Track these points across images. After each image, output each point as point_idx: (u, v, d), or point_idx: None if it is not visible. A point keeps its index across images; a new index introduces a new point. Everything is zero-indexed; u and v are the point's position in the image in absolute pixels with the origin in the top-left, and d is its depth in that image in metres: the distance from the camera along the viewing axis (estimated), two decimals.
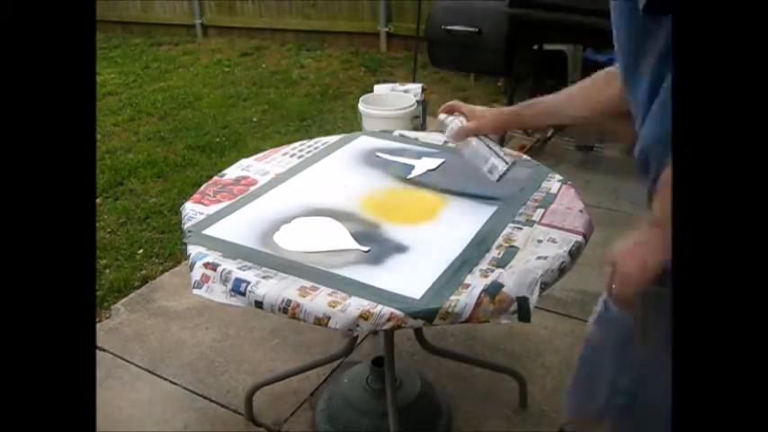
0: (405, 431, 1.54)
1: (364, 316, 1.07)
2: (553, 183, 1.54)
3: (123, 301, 2.33)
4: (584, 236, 1.31)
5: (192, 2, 5.97)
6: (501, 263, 1.21)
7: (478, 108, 1.39)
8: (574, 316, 2.12)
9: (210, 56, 5.47)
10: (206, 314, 2.22)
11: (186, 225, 1.38)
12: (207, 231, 1.35)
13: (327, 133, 2.04)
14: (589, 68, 4.55)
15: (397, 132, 1.91)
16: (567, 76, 4.10)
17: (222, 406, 1.84)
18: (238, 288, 1.15)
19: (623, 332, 0.94)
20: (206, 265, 1.21)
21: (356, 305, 1.09)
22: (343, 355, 1.80)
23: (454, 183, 1.54)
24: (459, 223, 1.37)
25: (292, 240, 1.31)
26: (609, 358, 0.96)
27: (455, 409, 1.79)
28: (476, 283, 1.14)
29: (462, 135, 1.38)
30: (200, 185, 1.58)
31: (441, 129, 1.47)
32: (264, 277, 1.17)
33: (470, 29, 3.14)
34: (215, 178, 1.60)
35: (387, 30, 5.30)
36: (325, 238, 1.31)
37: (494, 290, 1.10)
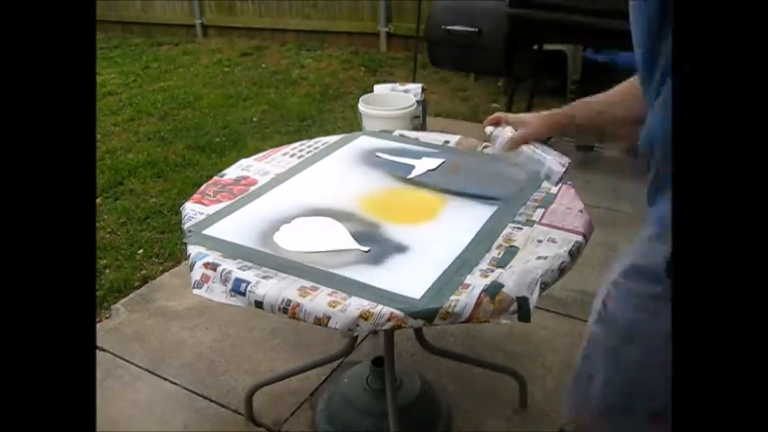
0: (405, 431, 1.54)
1: (364, 316, 1.07)
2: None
3: (123, 301, 2.33)
4: (584, 236, 1.31)
5: (192, 2, 5.97)
6: (501, 263, 1.21)
7: (525, 115, 1.35)
8: (574, 316, 2.12)
9: (210, 56, 5.47)
10: (206, 314, 2.22)
11: (186, 225, 1.38)
12: (207, 231, 1.35)
13: (327, 133, 2.04)
14: (589, 68, 4.56)
15: (397, 132, 1.91)
16: (567, 76, 4.10)
17: (222, 406, 1.84)
18: (238, 288, 1.15)
19: (620, 331, 0.94)
20: (206, 265, 1.21)
21: (356, 305, 1.09)
22: (343, 355, 1.80)
23: (454, 183, 1.54)
24: (459, 223, 1.37)
25: (292, 240, 1.31)
26: (604, 357, 0.96)
27: (455, 409, 1.79)
28: (476, 283, 1.14)
29: (517, 143, 1.32)
30: (200, 185, 1.58)
31: (488, 142, 1.44)
32: (264, 277, 1.17)
33: (470, 29, 3.14)
34: (215, 178, 1.60)
35: (387, 30, 5.30)
36: (325, 238, 1.31)
37: (494, 290, 1.10)
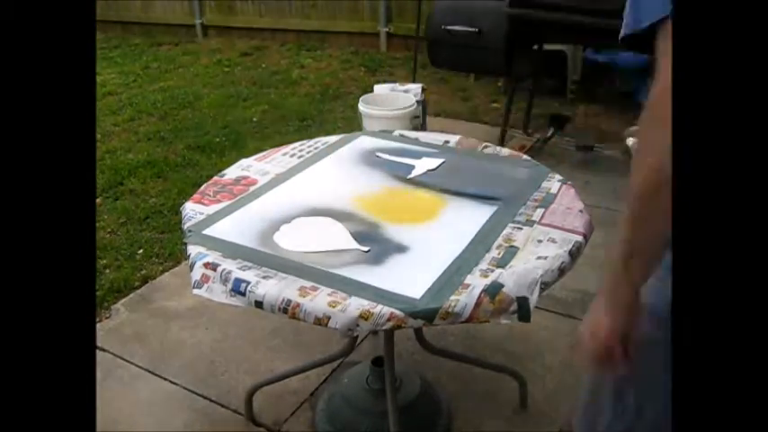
0: (405, 431, 1.54)
1: (364, 316, 1.07)
2: (553, 183, 1.54)
3: (123, 301, 2.33)
4: (585, 236, 1.30)
5: (192, 2, 5.96)
6: (501, 263, 1.21)
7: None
8: (574, 316, 2.11)
9: (210, 56, 5.47)
10: (206, 314, 2.22)
11: (186, 225, 1.38)
12: (207, 231, 1.35)
13: (327, 133, 2.04)
14: (589, 68, 4.55)
15: (397, 132, 1.91)
16: (567, 76, 4.10)
17: (222, 406, 1.84)
18: (238, 288, 1.15)
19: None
20: (206, 265, 1.21)
21: (356, 305, 1.09)
22: (343, 355, 1.80)
23: (454, 183, 1.54)
24: (458, 223, 1.37)
25: (292, 240, 1.31)
26: (609, 398, 0.95)
27: (455, 409, 1.79)
28: (476, 283, 1.14)
29: None
30: (200, 185, 1.58)
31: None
32: (264, 277, 1.17)
33: (470, 29, 3.14)
34: (215, 178, 1.60)
35: (387, 30, 5.29)
36: (325, 238, 1.31)
37: (494, 290, 1.10)
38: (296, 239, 1.31)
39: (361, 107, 2.81)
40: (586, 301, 2.11)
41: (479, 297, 1.09)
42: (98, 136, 3.80)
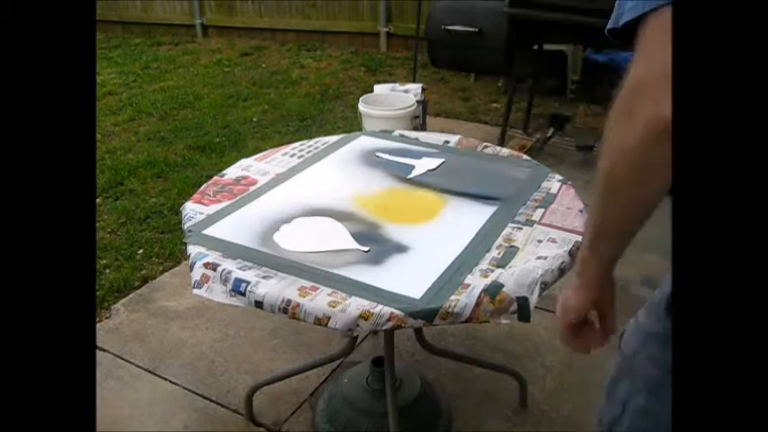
0: (405, 431, 1.54)
1: (364, 316, 1.07)
2: (553, 183, 1.54)
3: (123, 301, 2.33)
4: None
5: (192, 2, 5.96)
6: (501, 263, 1.21)
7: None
8: None
9: (210, 56, 5.47)
10: (206, 314, 2.22)
11: (186, 225, 1.38)
12: (207, 231, 1.35)
13: (327, 133, 2.04)
14: (589, 68, 4.56)
15: (397, 132, 1.91)
16: (567, 76, 4.10)
17: (222, 406, 1.84)
18: (238, 288, 1.15)
19: (623, 367, 0.93)
20: (206, 265, 1.21)
21: (356, 305, 1.09)
22: (343, 355, 1.80)
23: (454, 183, 1.54)
24: (459, 223, 1.37)
25: (292, 240, 1.31)
26: (626, 374, 0.96)
27: (455, 409, 1.79)
28: (476, 283, 1.14)
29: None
30: (200, 185, 1.58)
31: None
32: (264, 277, 1.17)
33: (470, 29, 3.14)
34: (215, 178, 1.60)
35: (387, 30, 5.29)
36: (325, 238, 1.31)
37: (494, 290, 1.10)
38: (296, 239, 1.31)
39: (361, 107, 2.81)
40: None
41: (479, 297, 1.09)
42: (98, 136, 3.80)
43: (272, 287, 1.14)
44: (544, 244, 1.27)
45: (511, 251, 1.25)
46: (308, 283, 1.15)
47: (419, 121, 2.99)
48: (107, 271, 2.49)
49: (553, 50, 3.83)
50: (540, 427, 1.74)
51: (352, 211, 1.42)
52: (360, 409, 1.68)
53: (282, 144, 1.83)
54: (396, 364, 1.58)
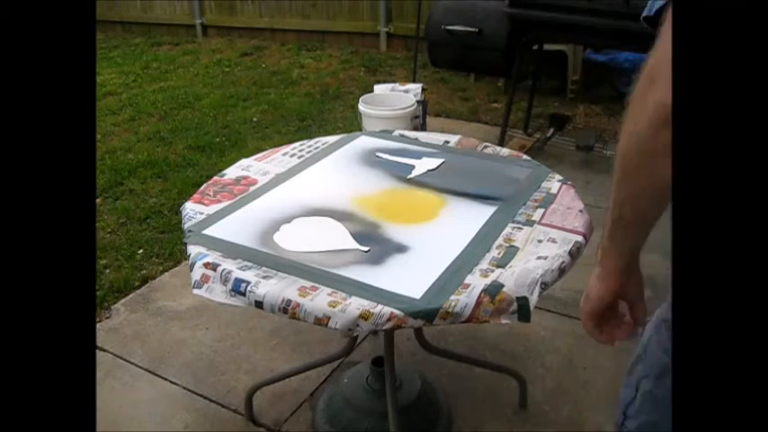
0: (405, 431, 1.54)
1: (364, 316, 1.07)
2: (553, 183, 1.54)
3: (123, 301, 2.33)
4: (585, 236, 1.31)
5: (192, 2, 5.97)
6: (501, 263, 1.21)
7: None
8: (574, 316, 2.11)
9: (210, 56, 5.47)
10: (206, 314, 2.22)
11: (186, 225, 1.38)
12: (207, 231, 1.35)
13: (327, 133, 2.04)
14: (589, 68, 4.55)
15: (397, 132, 1.91)
16: (567, 76, 4.10)
17: (222, 406, 1.84)
18: (238, 288, 1.15)
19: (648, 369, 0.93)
20: (206, 265, 1.21)
21: (356, 305, 1.09)
22: (343, 355, 1.80)
23: (454, 183, 1.54)
24: (459, 223, 1.37)
25: (292, 240, 1.31)
26: (641, 358, 0.96)
27: (455, 409, 1.79)
28: (476, 283, 1.14)
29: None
30: (200, 185, 1.58)
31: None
32: (264, 277, 1.17)
33: (470, 29, 3.14)
34: (215, 178, 1.60)
35: (387, 30, 5.30)
36: (325, 238, 1.31)
37: (494, 290, 1.10)
38: (296, 239, 1.31)
39: (361, 107, 2.81)
40: None
41: (479, 297, 1.09)
42: (98, 136, 3.80)
43: (272, 287, 1.14)
44: (544, 244, 1.27)
45: (511, 251, 1.25)
46: (308, 283, 1.15)
47: (419, 121, 2.99)
48: (107, 271, 2.49)
49: (553, 50, 3.83)
50: (540, 427, 1.74)
51: (352, 211, 1.42)
52: (360, 409, 1.68)
53: (282, 144, 1.83)
54: (396, 364, 1.58)
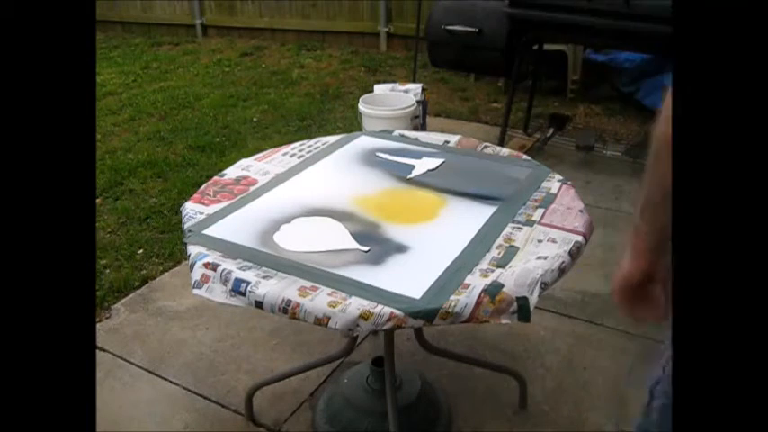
0: (405, 431, 1.54)
1: (364, 316, 1.07)
2: (553, 183, 1.54)
3: (123, 301, 2.33)
4: (585, 236, 1.30)
5: (192, 2, 5.97)
6: (501, 263, 1.21)
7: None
8: (574, 316, 2.12)
9: (210, 56, 5.47)
10: (206, 314, 2.22)
11: (186, 225, 1.38)
12: (207, 231, 1.35)
13: (327, 133, 2.04)
14: (589, 68, 4.55)
15: (397, 132, 1.91)
16: (567, 76, 4.10)
17: (222, 406, 1.84)
18: (238, 288, 1.15)
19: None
20: (206, 265, 1.21)
21: (356, 305, 1.09)
22: (343, 355, 1.80)
23: (454, 183, 1.54)
24: (459, 223, 1.37)
25: (292, 240, 1.31)
26: (667, 338, 0.97)
27: (455, 409, 1.79)
28: (476, 283, 1.14)
29: None
30: (200, 185, 1.58)
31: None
32: (264, 277, 1.17)
33: (470, 29, 3.14)
34: (215, 178, 1.60)
35: (387, 30, 5.30)
36: (325, 238, 1.31)
37: (494, 290, 1.10)
38: (296, 239, 1.31)
39: (361, 107, 2.81)
40: (586, 301, 2.13)
41: (479, 297, 1.09)
42: (98, 136, 3.80)
43: (272, 287, 1.14)
44: (544, 244, 1.27)
45: (511, 251, 1.25)
46: (308, 283, 1.15)
47: (419, 121, 2.99)
48: (107, 271, 2.49)
49: (553, 50, 3.84)
50: (540, 427, 1.74)
51: (352, 211, 1.42)
52: (360, 409, 1.68)
53: (282, 144, 1.83)
54: (396, 364, 1.58)
